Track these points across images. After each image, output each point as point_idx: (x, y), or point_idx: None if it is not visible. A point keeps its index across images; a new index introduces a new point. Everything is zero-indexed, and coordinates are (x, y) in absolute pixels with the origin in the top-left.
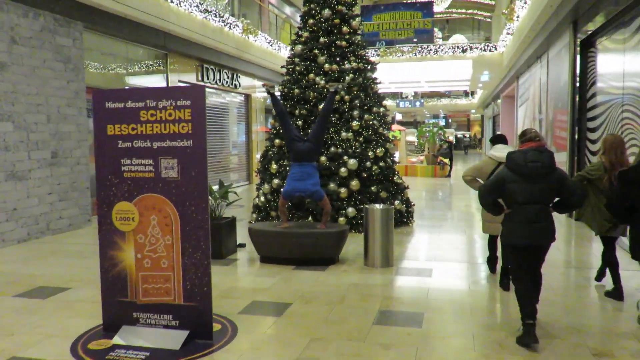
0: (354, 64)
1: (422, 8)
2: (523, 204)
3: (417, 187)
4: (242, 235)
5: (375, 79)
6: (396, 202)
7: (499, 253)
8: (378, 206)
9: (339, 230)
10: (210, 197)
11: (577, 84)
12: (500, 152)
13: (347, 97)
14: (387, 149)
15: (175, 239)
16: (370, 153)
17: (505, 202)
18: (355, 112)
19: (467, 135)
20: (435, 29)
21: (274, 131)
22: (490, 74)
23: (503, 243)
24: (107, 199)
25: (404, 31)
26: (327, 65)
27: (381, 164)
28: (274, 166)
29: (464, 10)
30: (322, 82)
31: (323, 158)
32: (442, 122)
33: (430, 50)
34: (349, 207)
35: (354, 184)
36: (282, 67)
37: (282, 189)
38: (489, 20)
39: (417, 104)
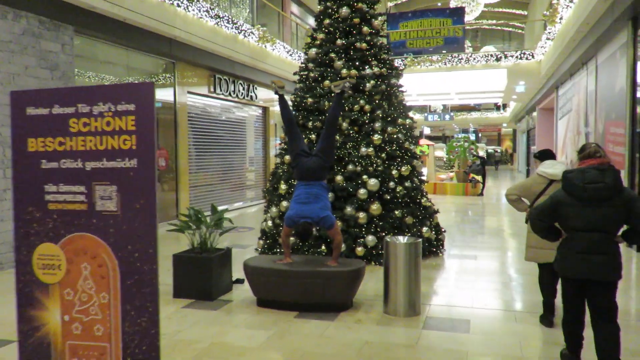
0: (375, 69)
1: (452, 15)
2: (581, 230)
3: (447, 207)
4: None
5: (401, 86)
6: (424, 229)
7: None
8: (402, 239)
9: (353, 269)
10: (201, 225)
11: (638, 91)
12: (552, 168)
13: (367, 107)
14: (413, 167)
15: (112, 296)
16: (394, 171)
17: (561, 227)
18: (377, 124)
19: (498, 150)
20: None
21: (284, 145)
22: (526, 84)
23: (555, 270)
24: (26, 239)
25: (433, 39)
26: (344, 71)
27: (407, 184)
28: (283, 186)
29: (494, 21)
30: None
31: (339, 177)
32: (472, 137)
33: (462, 59)
34: (368, 235)
35: (375, 207)
36: (294, 73)
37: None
38: (520, 31)
39: (447, 117)
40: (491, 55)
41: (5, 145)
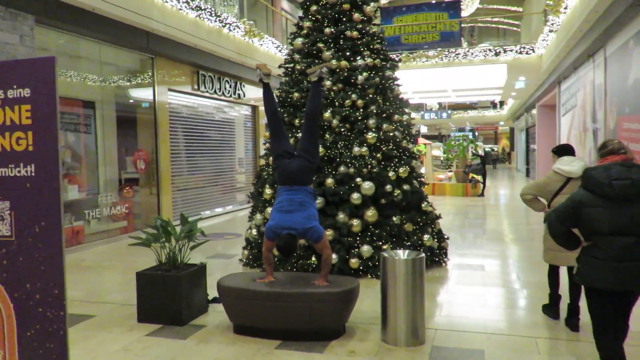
0: (368, 60)
1: (448, 8)
2: (609, 234)
3: (447, 209)
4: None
5: (397, 78)
6: (425, 237)
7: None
8: (402, 254)
9: (345, 290)
10: (172, 238)
11: None
12: (569, 165)
13: (360, 102)
14: (412, 168)
15: (8, 353)
16: (391, 173)
17: (583, 233)
18: (371, 121)
19: (495, 149)
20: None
21: (268, 145)
22: (526, 80)
23: (579, 283)
24: None
25: (428, 34)
26: (334, 62)
27: (405, 187)
28: (268, 191)
29: (489, 19)
30: (328, 83)
31: (330, 180)
32: (470, 135)
33: (459, 54)
34: (363, 245)
35: (370, 214)
36: (279, 66)
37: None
38: (515, 28)
39: (444, 115)
40: (490, 50)
41: None
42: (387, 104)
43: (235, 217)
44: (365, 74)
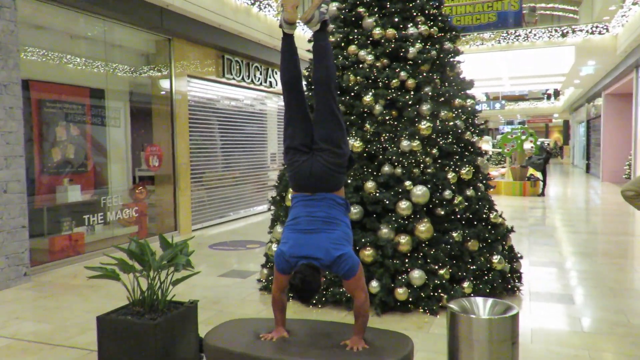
0: (422, 28)
1: None
2: None
3: (505, 212)
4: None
5: (458, 52)
6: (495, 259)
7: None
8: (482, 307)
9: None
10: (150, 269)
11: None
12: None
13: (411, 82)
14: (478, 167)
15: None
16: (450, 175)
17: None
18: (425, 107)
19: (548, 143)
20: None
21: None
22: (596, 64)
23: None
24: None
25: (483, 15)
26: (378, 31)
27: (469, 192)
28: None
29: (543, 5)
30: (370, 57)
31: (370, 184)
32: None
33: (519, 36)
34: (413, 270)
35: (423, 228)
36: (309, 40)
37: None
38: (572, 15)
39: (497, 106)
40: (555, 30)
41: None
42: (446, 84)
43: (267, 219)
44: (418, 45)
